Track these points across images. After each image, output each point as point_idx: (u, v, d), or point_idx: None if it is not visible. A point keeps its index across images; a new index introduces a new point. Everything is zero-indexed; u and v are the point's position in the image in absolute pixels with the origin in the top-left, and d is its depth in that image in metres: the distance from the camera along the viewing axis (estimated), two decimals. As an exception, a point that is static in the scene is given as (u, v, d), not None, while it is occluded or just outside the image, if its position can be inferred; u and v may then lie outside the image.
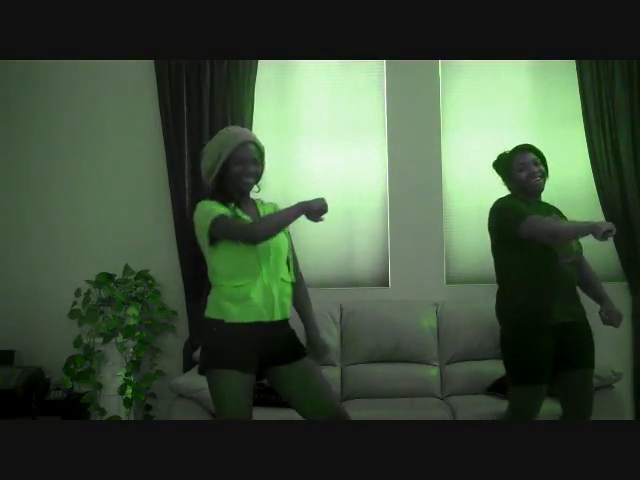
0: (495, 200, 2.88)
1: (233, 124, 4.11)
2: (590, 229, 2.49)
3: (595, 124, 4.12)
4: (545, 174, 2.85)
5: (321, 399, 2.49)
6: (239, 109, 4.12)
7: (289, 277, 2.53)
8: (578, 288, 2.88)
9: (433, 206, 4.27)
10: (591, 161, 4.15)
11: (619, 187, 4.12)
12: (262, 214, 2.53)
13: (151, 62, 4.19)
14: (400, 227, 4.28)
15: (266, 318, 2.43)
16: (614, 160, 4.12)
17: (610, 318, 2.81)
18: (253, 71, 4.15)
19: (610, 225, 2.46)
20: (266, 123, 4.27)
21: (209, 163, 2.47)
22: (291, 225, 2.45)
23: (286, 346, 2.50)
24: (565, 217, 2.93)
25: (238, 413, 2.41)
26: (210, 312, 2.50)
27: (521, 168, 2.81)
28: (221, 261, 2.47)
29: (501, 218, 2.80)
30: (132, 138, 4.29)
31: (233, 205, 2.46)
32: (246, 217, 2.45)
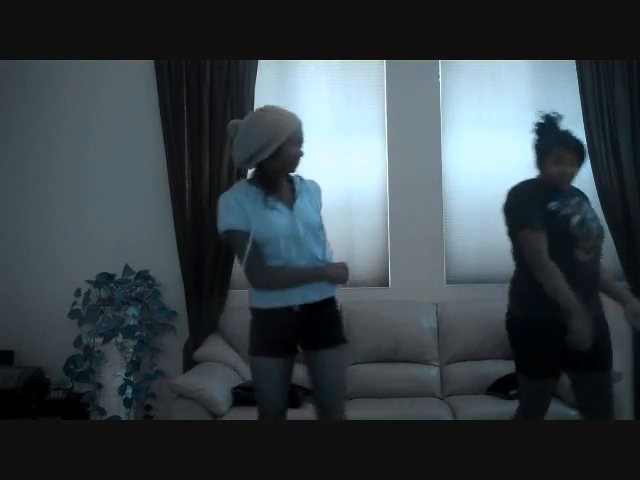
0: (516, 183, 2.77)
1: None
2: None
3: (595, 124, 4.12)
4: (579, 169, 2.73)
5: (327, 392, 2.56)
6: (239, 109, 4.12)
7: (324, 257, 2.55)
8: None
9: (433, 206, 4.27)
10: (591, 161, 4.15)
11: (619, 187, 4.12)
12: (297, 192, 2.55)
13: (151, 62, 4.19)
14: (400, 227, 4.27)
15: (298, 302, 2.49)
16: (614, 160, 4.12)
17: (634, 318, 2.70)
18: (253, 71, 4.15)
19: None
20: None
21: (256, 144, 2.42)
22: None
23: (323, 330, 2.54)
24: (589, 203, 2.80)
25: (266, 397, 2.53)
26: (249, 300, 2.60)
27: (556, 162, 2.68)
28: (255, 249, 2.50)
29: (510, 209, 2.73)
30: (132, 138, 4.29)
31: (265, 194, 2.49)
32: (276, 206, 2.48)
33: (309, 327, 2.52)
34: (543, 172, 2.76)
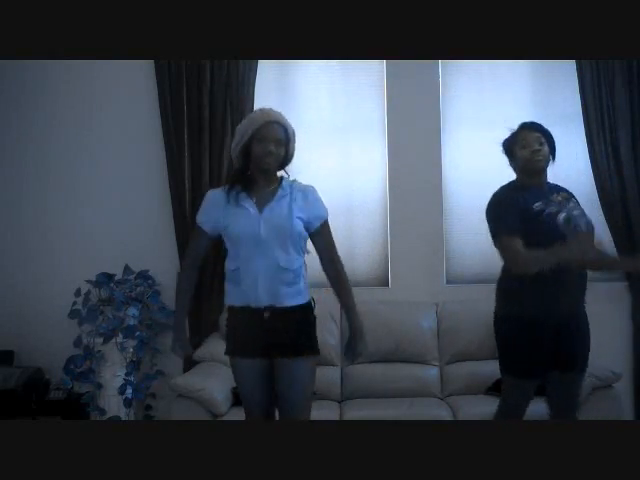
0: (496, 190, 2.79)
1: (233, 124, 4.11)
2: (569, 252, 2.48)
3: (595, 124, 4.12)
4: (550, 155, 2.73)
5: (287, 410, 2.49)
6: (239, 109, 4.12)
7: (289, 264, 2.46)
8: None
9: (433, 206, 4.27)
10: (591, 161, 4.15)
11: (619, 187, 4.12)
12: (278, 195, 2.50)
13: (151, 62, 4.19)
14: (400, 227, 4.27)
15: (252, 304, 2.46)
16: (614, 160, 4.12)
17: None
18: (253, 71, 4.15)
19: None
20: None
21: (236, 140, 2.54)
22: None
23: (288, 338, 2.47)
24: (575, 198, 2.80)
25: (246, 398, 2.53)
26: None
27: (524, 145, 2.71)
28: (227, 244, 2.56)
29: (490, 216, 2.73)
30: (132, 138, 4.29)
31: (235, 192, 2.51)
32: (244, 205, 2.48)
33: (275, 333, 2.46)
34: (516, 164, 2.76)
